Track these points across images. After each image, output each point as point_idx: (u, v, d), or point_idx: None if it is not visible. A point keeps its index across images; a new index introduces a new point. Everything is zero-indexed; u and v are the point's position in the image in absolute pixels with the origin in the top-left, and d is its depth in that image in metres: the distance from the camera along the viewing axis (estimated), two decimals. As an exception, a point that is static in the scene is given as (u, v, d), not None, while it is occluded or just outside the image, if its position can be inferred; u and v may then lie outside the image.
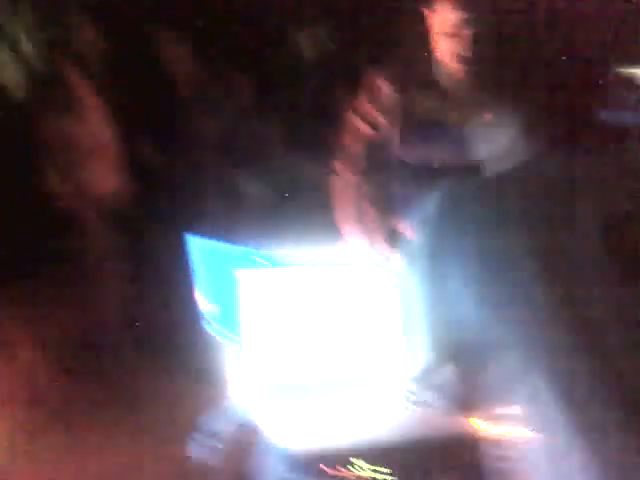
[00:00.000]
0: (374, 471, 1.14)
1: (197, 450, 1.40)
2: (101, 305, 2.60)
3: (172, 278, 2.07)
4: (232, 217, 2.69)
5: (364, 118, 2.07)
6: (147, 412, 2.18)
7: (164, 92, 2.76)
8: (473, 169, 1.57)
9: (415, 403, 1.16)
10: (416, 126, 1.95)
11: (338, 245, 1.83)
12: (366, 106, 2.06)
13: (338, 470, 1.16)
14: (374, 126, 2.05)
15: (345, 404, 1.31)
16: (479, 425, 1.00)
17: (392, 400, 1.12)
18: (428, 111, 1.86)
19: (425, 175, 1.94)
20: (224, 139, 2.74)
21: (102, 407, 2.27)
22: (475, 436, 0.97)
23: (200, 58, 2.86)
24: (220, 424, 1.39)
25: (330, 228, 2.06)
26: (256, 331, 1.38)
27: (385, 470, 1.13)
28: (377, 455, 1.15)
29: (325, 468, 1.17)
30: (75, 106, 2.56)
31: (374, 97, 2.04)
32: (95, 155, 2.59)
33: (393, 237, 2.01)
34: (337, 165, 2.14)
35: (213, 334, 1.70)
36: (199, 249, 1.74)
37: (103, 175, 2.61)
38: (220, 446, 1.37)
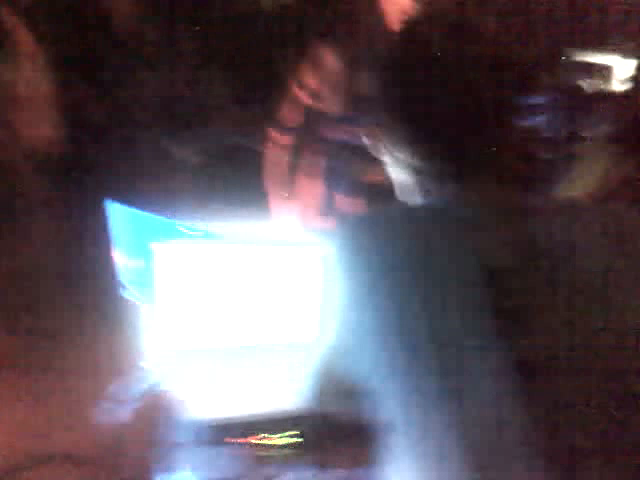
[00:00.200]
0: (284, 439, 1.13)
1: (105, 413, 1.36)
2: (19, 258, 2.50)
3: (93, 237, 2.00)
4: (158, 184, 2.62)
5: (306, 88, 2.04)
6: (57, 375, 2.12)
7: (99, 41, 2.66)
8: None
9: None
10: (358, 102, 1.94)
11: (267, 219, 1.81)
12: (309, 76, 2.04)
13: (248, 438, 1.15)
14: (315, 97, 2.03)
15: (257, 372, 1.31)
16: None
17: (302, 369, 1.11)
18: (373, 89, 1.84)
19: (365, 151, 1.94)
20: (159, 100, 2.66)
21: (11, 369, 2.19)
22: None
23: (144, 11, 2.77)
24: (130, 389, 1.36)
25: (262, 201, 2.02)
26: (171, 299, 1.37)
27: (295, 438, 1.13)
28: (287, 423, 1.15)
29: (235, 437, 1.16)
30: (6, 48, 2.44)
31: (319, 68, 2.02)
32: (25, 102, 2.48)
33: (329, 212, 1.99)
34: (273, 134, 2.10)
35: (129, 298, 1.67)
36: (121, 212, 1.71)
37: (32, 124, 2.51)
38: (129, 411, 1.34)
